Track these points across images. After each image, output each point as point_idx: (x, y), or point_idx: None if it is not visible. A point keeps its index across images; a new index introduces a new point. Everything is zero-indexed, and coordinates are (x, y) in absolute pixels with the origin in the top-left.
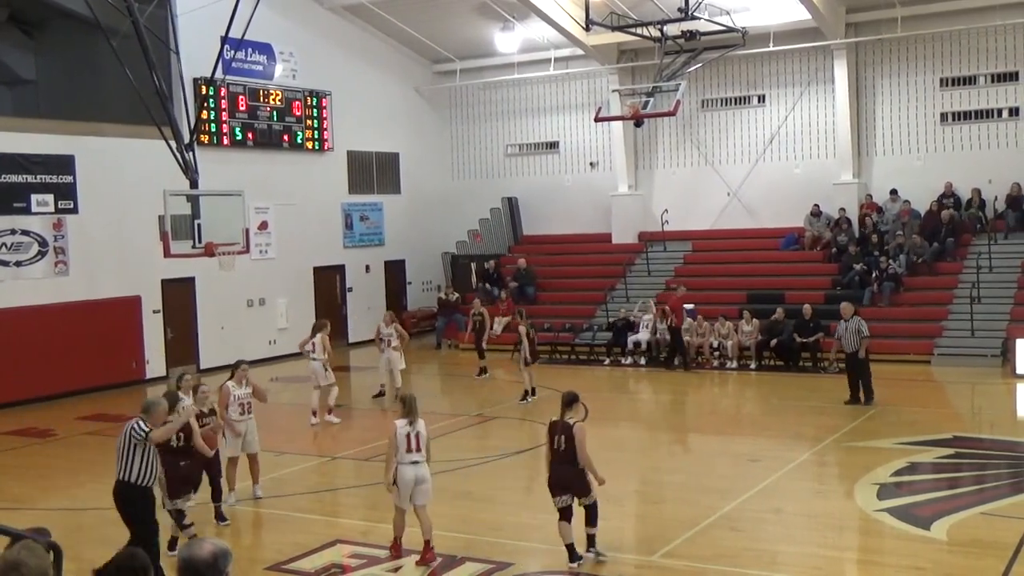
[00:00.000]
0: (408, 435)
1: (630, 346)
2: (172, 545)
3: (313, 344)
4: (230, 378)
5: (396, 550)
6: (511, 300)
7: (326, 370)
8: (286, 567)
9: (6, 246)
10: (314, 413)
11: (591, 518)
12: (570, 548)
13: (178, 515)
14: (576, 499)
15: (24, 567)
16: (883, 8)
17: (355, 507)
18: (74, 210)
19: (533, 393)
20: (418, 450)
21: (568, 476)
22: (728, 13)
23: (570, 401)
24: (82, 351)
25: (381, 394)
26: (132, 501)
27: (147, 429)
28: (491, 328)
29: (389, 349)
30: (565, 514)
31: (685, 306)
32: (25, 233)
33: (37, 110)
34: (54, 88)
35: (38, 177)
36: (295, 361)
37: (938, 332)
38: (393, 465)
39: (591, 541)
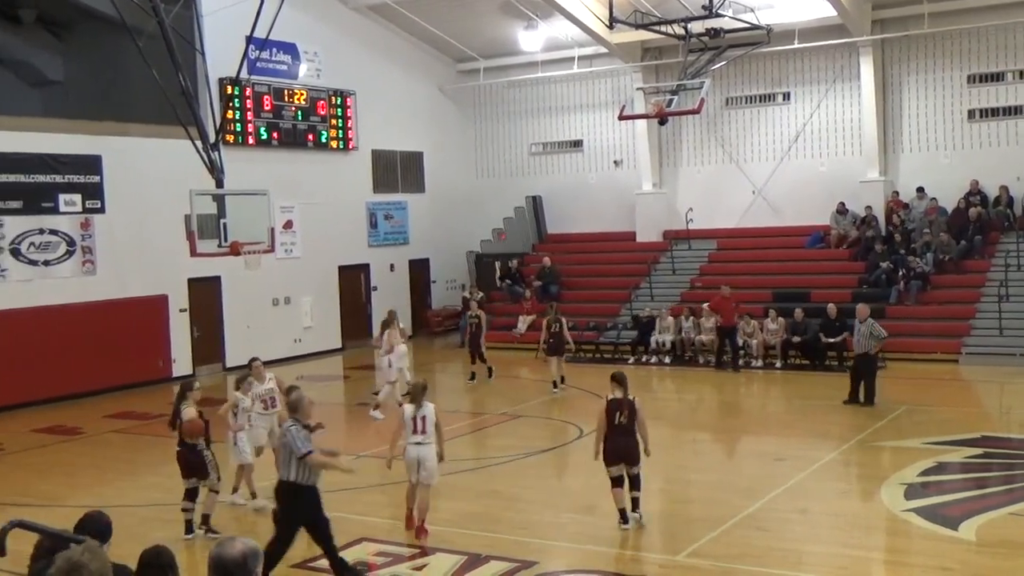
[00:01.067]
0: (415, 418)
1: (654, 345)
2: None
3: (380, 341)
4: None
5: (409, 522)
6: (535, 299)
7: (390, 366)
8: (312, 565)
9: (35, 245)
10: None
11: (637, 484)
12: (622, 512)
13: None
14: (627, 467)
15: (85, 569)
16: (910, 4)
17: (381, 505)
18: (101, 210)
19: (562, 381)
20: (423, 432)
21: (627, 447)
22: (753, 10)
23: (623, 379)
24: (109, 350)
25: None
26: (292, 496)
27: (304, 451)
28: (487, 330)
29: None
30: (618, 482)
31: (704, 305)
32: (53, 233)
33: (65, 111)
34: (82, 89)
35: (66, 177)
36: (320, 360)
37: (966, 331)
38: (398, 443)
39: (636, 504)
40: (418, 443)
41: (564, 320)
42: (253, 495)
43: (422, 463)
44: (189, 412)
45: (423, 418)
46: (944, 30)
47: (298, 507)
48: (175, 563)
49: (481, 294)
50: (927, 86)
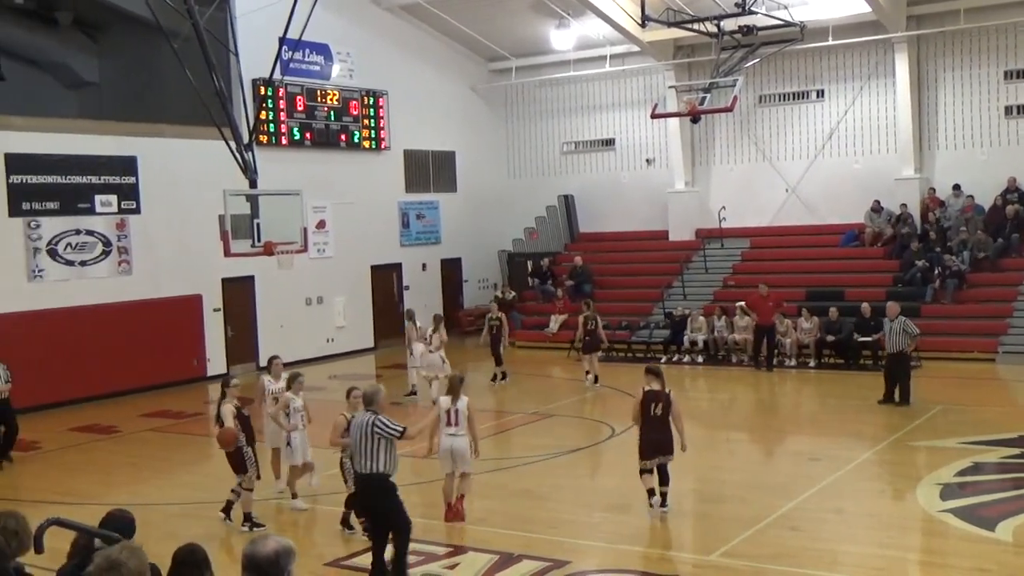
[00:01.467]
0: (449, 411)
1: (686, 344)
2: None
3: (431, 338)
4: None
5: (448, 513)
6: (567, 299)
7: (444, 362)
8: (346, 563)
9: (71, 246)
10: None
11: (666, 478)
12: (651, 492)
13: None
14: (661, 457)
15: (124, 567)
16: (945, 0)
17: (413, 504)
18: (136, 210)
19: (596, 380)
20: (456, 424)
21: (663, 440)
22: (786, 7)
23: (659, 372)
24: (145, 349)
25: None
26: (385, 491)
27: (400, 429)
28: (508, 334)
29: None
30: (648, 470)
31: (738, 304)
32: (89, 233)
33: (101, 112)
34: (117, 90)
35: (102, 178)
36: (353, 359)
37: (1003, 329)
38: (434, 435)
39: (664, 499)
40: (452, 435)
41: (599, 318)
42: (294, 496)
43: (456, 454)
44: (227, 410)
45: (457, 411)
46: (980, 26)
47: (393, 499)
48: (208, 561)
49: (514, 293)
50: (963, 82)
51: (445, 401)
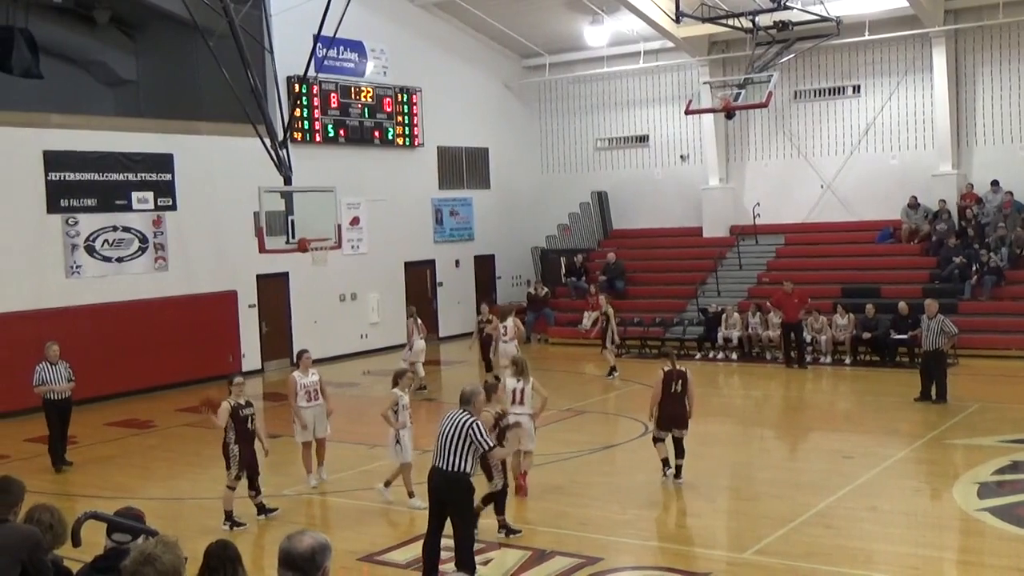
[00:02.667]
0: (515, 390)
1: (720, 341)
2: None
3: (505, 328)
4: (297, 367)
5: (519, 489)
6: (598, 295)
7: (517, 351)
8: (378, 558)
9: (108, 242)
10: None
11: (682, 451)
12: (665, 461)
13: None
14: (676, 430)
15: (158, 562)
16: None
17: None
18: (172, 207)
19: (610, 373)
20: (521, 403)
21: (681, 414)
22: (822, 2)
23: (671, 353)
24: (181, 345)
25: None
26: (464, 490)
27: (491, 444)
28: (502, 337)
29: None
30: (661, 439)
31: (767, 301)
32: (126, 230)
33: (138, 110)
34: (154, 88)
35: (138, 175)
36: (387, 355)
37: None
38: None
39: (679, 471)
40: (518, 413)
41: (612, 312)
42: (411, 494)
43: (521, 432)
44: (223, 407)
45: (522, 390)
46: (1019, 20)
47: (470, 497)
48: (240, 557)
49: (547, 290)
50: (1002, 77)
51: (511, 381)
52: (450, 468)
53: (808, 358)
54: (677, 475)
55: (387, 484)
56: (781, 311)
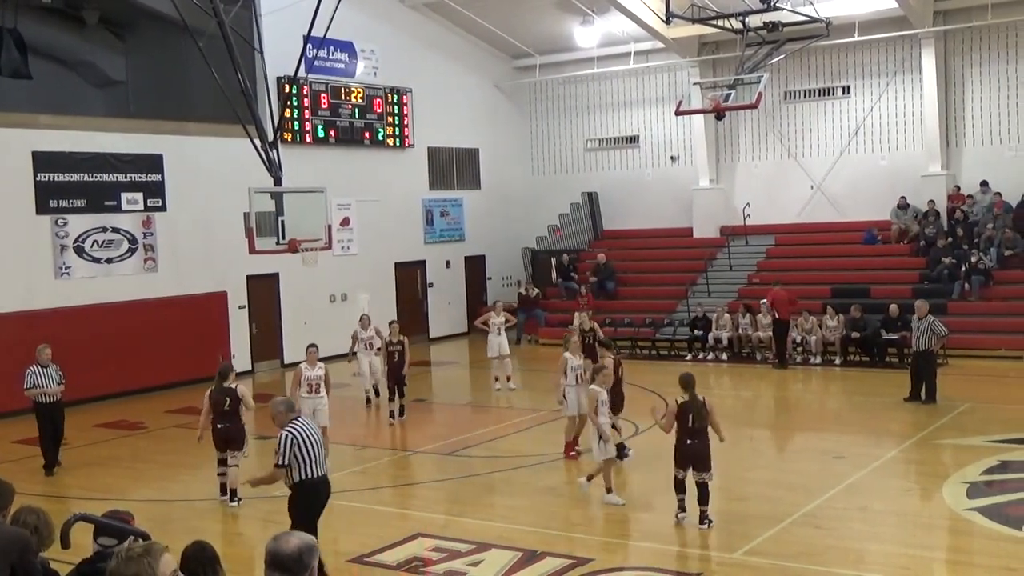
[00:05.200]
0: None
1: (711, 341)
2: (222, 490)
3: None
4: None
5: (569, 449)
6: (591, 296)
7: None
8: (368, 559)
9: (98, 243)
10: (496, 379)
11: (705, 496)
12: (681, 503)
13: (222, 463)
14: (696, 473)
15: (142, 563)
16: None
17: (436, 501)
18: (162, 208)
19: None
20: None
21: (701, 451)
22: (811, 3)
23: (691, 381)
24: (171, 346)
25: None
26: None
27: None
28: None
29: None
30: (681, 486)
31: (763, 301)
32: (116, 231)
33: (127, 110)
34: (143, 89)
35: (128, 176)
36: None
37: None
38: (561, 387)
39: (703, 517)
40: (573, 385)
41: (583, 322)
42: (608, 490)
43: (579, 401)
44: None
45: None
46: (1008, 21)
47: None
48: (218, 559)
49: (537, 291)
50: (991, 78)
51: (572, 359)
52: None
53: (798, 358)
54: (702, 520)
55: (589, 478)
56: (777, 310)
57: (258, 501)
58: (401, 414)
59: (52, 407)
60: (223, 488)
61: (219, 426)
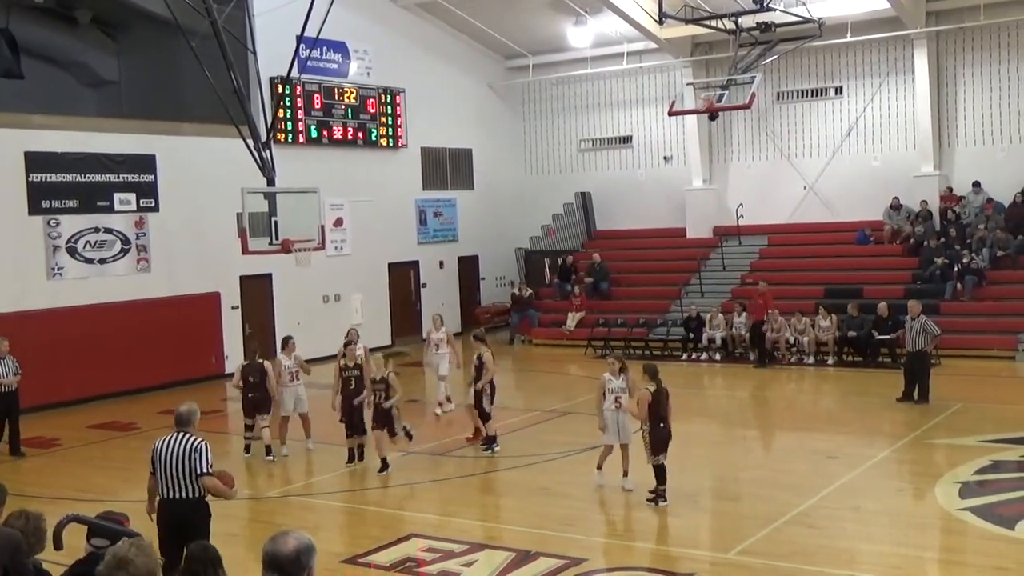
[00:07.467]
0: (612, 390)
1: (704, 342)
2: (247, 449)
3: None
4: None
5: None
6: (584, 296)
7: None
8: (362, 560)
9: (90, 244)
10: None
11: (663, 476)
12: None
13: (248, 428)
14: (664, 455)
15: (131, 565)
16: None
17: (430, 502)
18: (155, 208)
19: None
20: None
21: (670, 435)
22: (804, 3)
23: (656, 371)
24: (163, 346)
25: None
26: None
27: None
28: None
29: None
30: (662, 474)
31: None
32: (108, 231)
33: (120, 110)
34: (136, 89)
35: (121, 176)
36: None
37: (1023, 327)
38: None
39: (663, 495)
40: (614, 410)
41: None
42: (282, 443)
43: (621, 426)
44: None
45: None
46: (1000, 21)
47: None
48: (220, 559)
49: (531, 291)
50: (983, 79)
51: (611, 379)
52: (184, 496)
53: (792, 358)
54: (663, 498)
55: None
56: (751, 314)
57: (258, 501)
58: (361, 457)
59: (8, 396)
60: (247, 448)
61: (250, 395)
